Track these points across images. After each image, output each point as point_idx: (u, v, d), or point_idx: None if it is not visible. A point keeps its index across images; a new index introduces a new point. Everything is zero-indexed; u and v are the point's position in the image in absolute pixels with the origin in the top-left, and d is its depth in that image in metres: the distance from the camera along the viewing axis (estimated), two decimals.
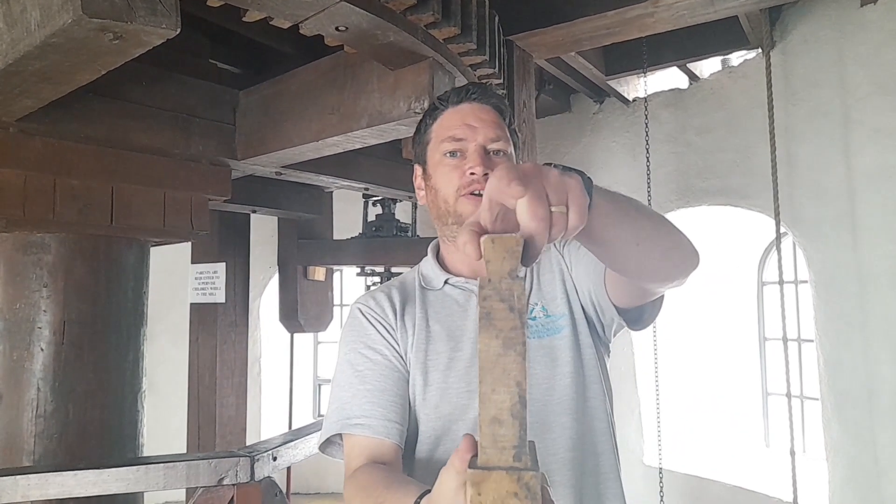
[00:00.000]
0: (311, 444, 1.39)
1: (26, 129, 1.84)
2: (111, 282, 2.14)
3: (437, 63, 1.69)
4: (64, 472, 1.11)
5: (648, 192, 3.62)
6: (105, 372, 2.12)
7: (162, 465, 1.16)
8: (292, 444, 1.31)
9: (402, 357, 1.07)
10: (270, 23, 1.47)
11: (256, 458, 1.20)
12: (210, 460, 1.17)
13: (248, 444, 4.06)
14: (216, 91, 2.22)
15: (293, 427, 4.68)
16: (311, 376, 6.96)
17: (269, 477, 1.19)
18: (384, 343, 1.07)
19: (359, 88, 1.84)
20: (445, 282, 1.12)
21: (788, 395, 3.05)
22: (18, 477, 1.12)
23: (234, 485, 1.18)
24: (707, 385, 4.88)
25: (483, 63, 1.83)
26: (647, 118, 3.72)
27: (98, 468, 1.14)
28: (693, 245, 0.92)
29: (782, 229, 3.19)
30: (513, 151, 1.09)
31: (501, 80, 2.02)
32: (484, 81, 2.00)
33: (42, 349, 2.02)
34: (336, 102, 1.91)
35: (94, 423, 2.07)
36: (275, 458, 1.23)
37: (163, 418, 2.33)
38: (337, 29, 1.49)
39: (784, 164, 3.23)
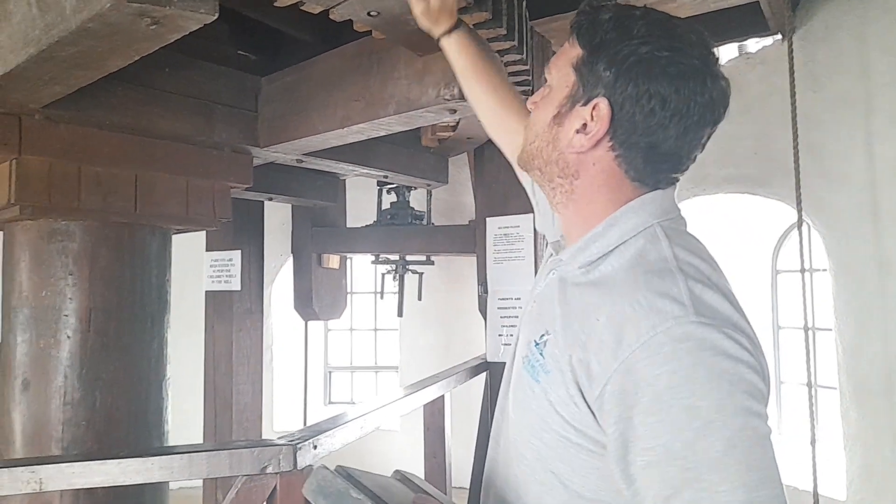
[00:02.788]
0: (346, 431, 1.39)
1: (52, 115, 1.83)
2: (135, 269, 2.15)
3: None
4: (108, 461, 1.11)
5: None
6: (130, 359, 2.13)
7: (205, 453, 1.16)
8: (330, 432, 1.32)
9: None
10: (301, 8, 1.45)
11: (299, 446, 1.20)
12: (253, 449, 1.17)
13: (262, 430, 4.08)
14: (239, 78, 2.21)
15: (307, 414, 4.71)
16: (322, 363, 6.98)
17: (310, 465, 1.20)
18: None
19: (385, 75, 1.83)
20: None
21: (810, 385, 3.04)
22: (63, 465, 1.13)
23: (277, 473, 1.19)
24: None
25: (511, 49, 1.81)
26: None
27: (142, 456, 1.14)
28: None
29: None
30: (558, 74, 0.93)
31: (528, 66, 2.00)
32: (510, 69, 1.98)
33: (69, 337, 2.03)
34: (362, 89, 1.90)
35: (121, 411, 2.08)
36: (315, 447, 1.24)
37: (175, 404, 2.34)
38: (369, 14, 1.47)
39: (804, 152, 3.20)
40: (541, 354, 0.87)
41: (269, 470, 1.21)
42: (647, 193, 0.90)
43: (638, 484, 0.74)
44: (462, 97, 1.68)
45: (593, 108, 0.87)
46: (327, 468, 0.78)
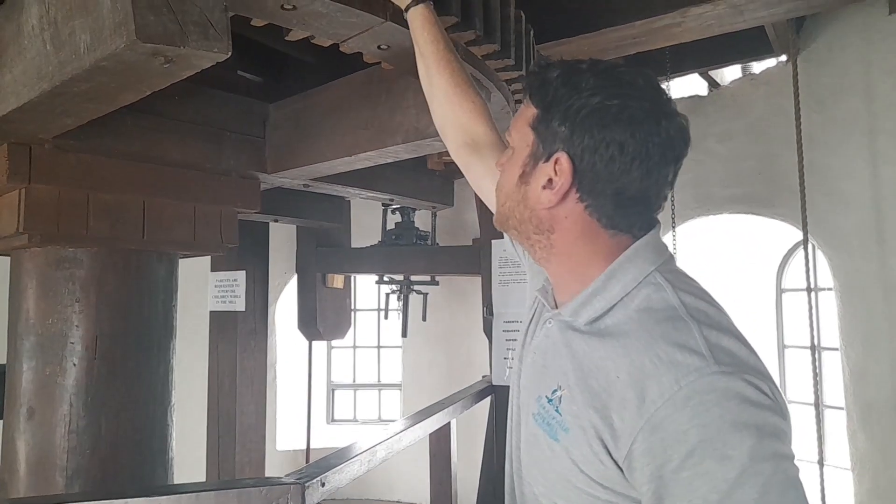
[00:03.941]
0: (354, 466, 1.38)
1: (61, 145, 1.83)
2: (142, 295, 2.14)
3: (474, 79, 1.67)
4: (116, 500, 1.10)
5: (672, 198, 3.60)
6: (137, 386, 2.11)
7: (213, 492, 1.15)
8: (338, 468, 1.31)
9: None
10: (312, 41, 1.46)
11: (307, 484, 1.19)
12: (261, 487, 1.16)
13: (266, 450, 4.06)
14: (247, 105, 2.22)
15: (310, 432, 4.68)
16: (325, 381, 6.96)
17: (319, 503, 1.19)
18: None
19: (394, 104, 1.84)
20: None
21: (817, 405, 3.03)
22: None
23: None
24: None
25: (519, 78, 1.82)
26: None
27: (149, 496, 1.13)
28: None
29: None
30: (518, 135, 0.96)
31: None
32: (517, 97, 1.99)
33: (75, 364, 2.02)
34: (369, 117, 1.90)
35: (126, 438, 2.07)
36: (323, 485, 1.23)
37: (179, 420, 2.33)
38: (379, 47, 1.48)
39: (808, 172, 3.21)
40: (557, 411, 0.87)
41: None
42: (638, 241, 0.91)
43: None
44: None
45: (555, 162, 0.89)
46: None
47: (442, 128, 1.38)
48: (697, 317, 0.82)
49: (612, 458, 0.79)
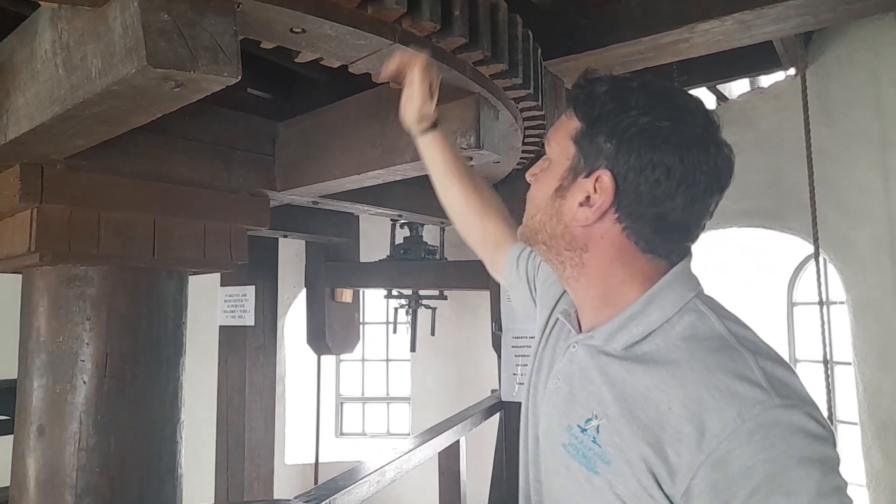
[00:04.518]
0: (364, 487, 1.37)
1: (73, 165, 1.85)
2: (152, 313, 2.15)
3: (483, 98, 1.68)
4: None
5: None
6: (146, 403, 2.12)
7: None
8: (347, 489, 1.30)
9: None
10: (321, 63, 1.48)
11: None
12: None
13: (275, 464, 4.05)
14: (256, 123, 2.23)
15: (319, 446, 4.67)
16: (334, 395, 6.95)
17: None
18: None
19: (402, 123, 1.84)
20: None
21: (831, 421, 2.99)
22: None
23: None
24: None
25: (527, 97, 1.83)
26: None
27: None
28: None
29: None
30: (558, 147, 0.94)
31: (542, 112, 2.02)
32: (525, 114, 1.99)
33: (85, 382, 2.03)
34: (378, 136, 1.91)
35: (136, 455, 2.07)
36: None
37: (188, 434, 2.33)
38: None
39: (819, 186, 3.20)
40: (594, 442, 0.83)
41: None
42: (675, 266, 0.89)
43: None
44: (479, 146, 1.69)
45: (596, 180, 0.86)
46: None
47: (469, 238, 1.49)
48: (749, 346, 0.80)
49: (663, 492, 0.76)
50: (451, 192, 1.42)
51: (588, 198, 0.87)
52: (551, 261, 0.98)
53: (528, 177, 1.01)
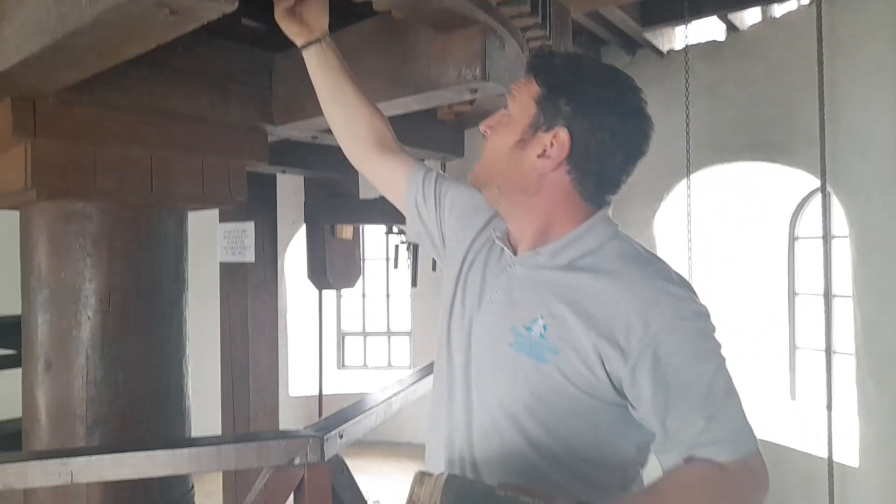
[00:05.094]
0: (371, 418, 1.40)
1: (66, 98, 1.80)
2: (153, 249, 2.14)
3: (489, 28, 1.61)
4: (138, 453, 1.12)
5: (687, 146, 3.51)
6: (151, 338, 2.14)
7: (233, 445, 1.17)
8: (356, 419, 1.32)
9: None
10: None
11: (325, 437, 1.21)
12: (280, 440, 1.18)
13: (279, 396, 4.13)
14: (253, 55, 2.15)
15: (322, 378, 4.76)
16: (336, 329, 7.05)
17: (337, 455, 1.20)
18: None
19: (405, 54, 1.78)
20: None
21: (827, 351, 3.04)
22: (93, 457, 1.14)
23: (304, 464, 1.20)
24: (734, 338, 4.87)
25: (534, 26, 1.75)
26: (687, 70, 3.58)
27: (171, 448, 1.15)
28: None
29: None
30: (519, 106, 1.10)
31: (550, 43, 1.94)
32: (531, 44, 1.92)
33: (89, 317, 2.04)
34: (380, 68, 1.85)
35: (144, 389, 2.10)
36: (341, 437, 1.24)
37: (193, 371, 2.36)
38: None
39: (827, 119, 3.13)
40: (542, 337, 1.01)
41: (297, 461, 1.22)
42: (601, 210, 1.09)
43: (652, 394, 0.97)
44: (484, 77, 1.64)
45: (554, 136, 1.03)
46: (454, 475, 0.80)
47: (350, 132, 1.50)
48: (661, 260, 1.06)
49: (605, 371, 0.97)
50: (338, 103, 1.49)
51: (545, 151, 1.04)
52: (498, 201, 1.14)
53: (483, 128, 1.15)
